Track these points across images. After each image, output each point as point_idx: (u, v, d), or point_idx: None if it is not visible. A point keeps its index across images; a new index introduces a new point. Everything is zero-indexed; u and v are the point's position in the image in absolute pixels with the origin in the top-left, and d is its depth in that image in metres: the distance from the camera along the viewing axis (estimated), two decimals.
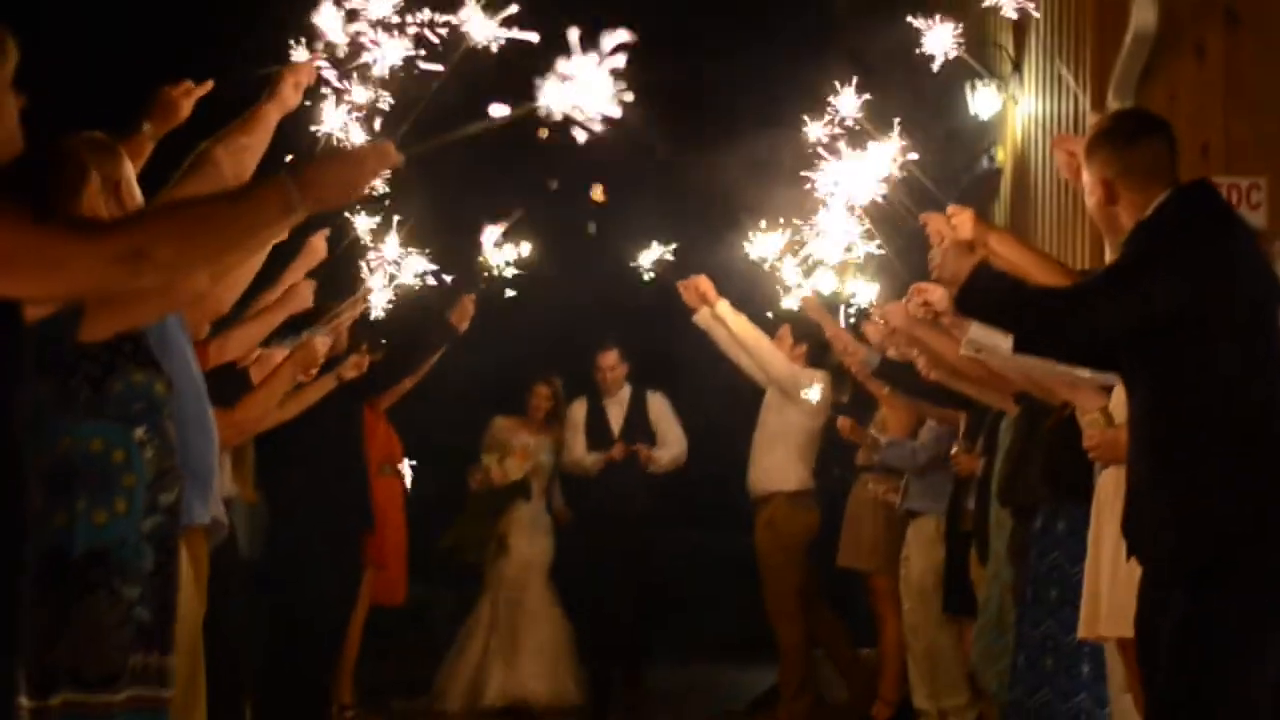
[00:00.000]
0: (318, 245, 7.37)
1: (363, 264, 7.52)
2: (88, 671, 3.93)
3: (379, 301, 7.67)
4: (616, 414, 11.77)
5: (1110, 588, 5.89)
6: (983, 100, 12.04)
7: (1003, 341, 5.71)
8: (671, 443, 11.73)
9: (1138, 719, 5.51)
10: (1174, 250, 4.84)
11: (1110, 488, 6.03)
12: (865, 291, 8.87)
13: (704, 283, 10.39)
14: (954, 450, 8.92)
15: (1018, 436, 7.54)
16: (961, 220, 6.05)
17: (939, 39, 6.81)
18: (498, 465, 11.91)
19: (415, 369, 10.35)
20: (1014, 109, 11.79)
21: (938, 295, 5.85)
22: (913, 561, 10.25)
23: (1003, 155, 12.18)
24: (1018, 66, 11.66)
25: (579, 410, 11.92)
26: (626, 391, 11.78)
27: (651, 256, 10.27)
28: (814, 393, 10.51)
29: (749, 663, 13.54)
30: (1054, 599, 6.88)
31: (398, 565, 10.86)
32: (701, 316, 10.56)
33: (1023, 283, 5.15)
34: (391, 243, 7.50)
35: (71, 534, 3.95)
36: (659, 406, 11.84)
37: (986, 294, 4.96)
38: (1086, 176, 5.11)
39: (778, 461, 11.03)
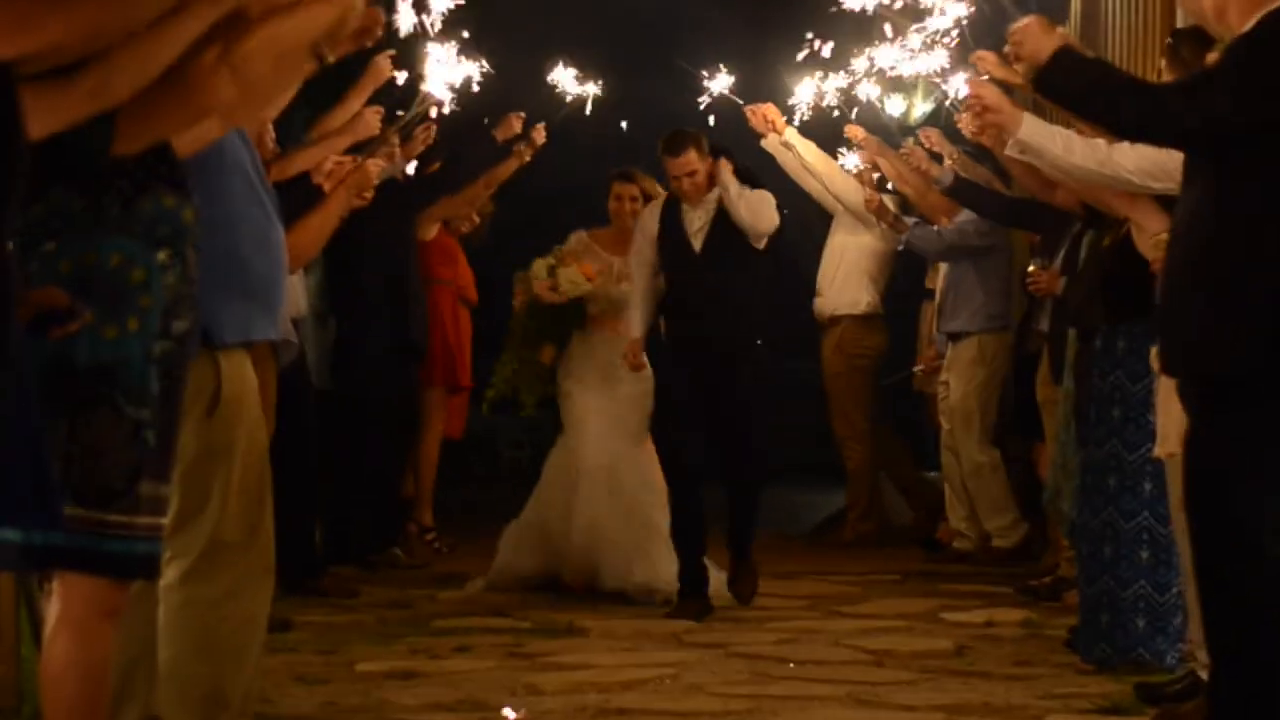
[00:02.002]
0: (382, 65, 7.34)
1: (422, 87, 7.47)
2: (87, 487, 3.97)
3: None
4: (699, 221, 9.09)
5: (1169, 404, 5.88)
6: None
7: (1050, 145, 5.65)
8: (756, 202, 8.93)
9: None
10: None
11: None
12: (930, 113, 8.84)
13: (771, 109, 10.33)
14: (1031, 268, 8.90)
15: (1088, 256, 7.50)
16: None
17: None
18: (546, 274, 9.54)
19: (457, 182, 10.26)
20: None
21: (989, 90, 5.73)
22: (952, 384, 10.31)
23: None
24: None
25: (651, 217, 9.27)
26: (715, 195, 9.03)
27: (720, 84, 10.22)
28: (852, 159, 10.42)
29: (814, 487, 13.62)
30: (1116, 418, 6.88)
31: (463, 400, 10.95)
32: (769, 142, 10.50)
33: (1111, 69, 5.05)
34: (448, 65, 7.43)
35: (77, 346, 3.96)
36: (756, 194, 9.04)
37: (1073, 75, 4.86)
38: None
39: (848, 285, 11.05)
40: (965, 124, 7.19)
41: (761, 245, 8.94)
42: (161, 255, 4.06)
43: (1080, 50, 5.01)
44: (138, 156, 4.06)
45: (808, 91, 9.95)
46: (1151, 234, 6.02)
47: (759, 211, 8.89)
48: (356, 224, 8.72)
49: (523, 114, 9.78)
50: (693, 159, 8.91)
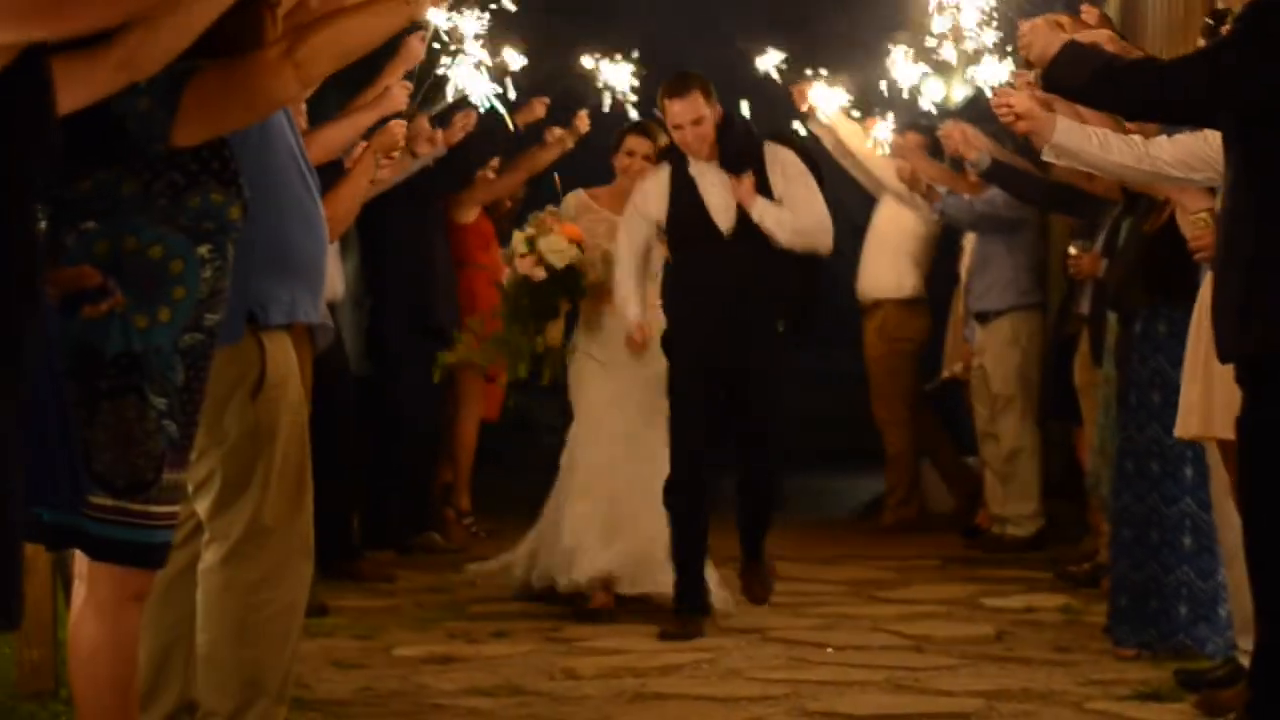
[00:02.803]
0: (415, 47, 7.27)
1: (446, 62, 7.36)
2: (115, 476, 3.98)
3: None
4: (715, 185, 7.71)
5: (1205, 386, 5.86)
6: None
7: (1086, 145, 5.62)
8: (801, 210, 7.65)
9: (1239, 521, 5.50)
10: None
11: None
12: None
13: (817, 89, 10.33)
14: (1071, 250, 8.85)
15: (1129, 239, 7.47)
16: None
17: None
18: (526, 248, 8.23)
19: (478, 163, 10.22)
20: None
21: (1019, 99, 5.69)
22: (989, 368, 10.25)
23: None
24: None
25: (656, 190, 7.83)
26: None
27: (770, 61, 10.20)
28: (884, 130, 10.37)
29: (853, 472, 13.58)
30: (1157, 403, 6.84)
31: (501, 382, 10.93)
32: (814, 123, 10.47)
33: (1115, 56, 5.05)
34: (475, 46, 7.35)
35: (108, 332, 3.97)
36: (789, 167, 7.75)
37: (1078, 66, 4.88)
38: None
39: (890, 268, 10.99)
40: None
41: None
42: (203, 250, 4.08)
43: (1085, 44, 5.01)
44: (193, 149, 4.08)
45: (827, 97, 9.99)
46: (1193, 214, 5.99)
47: (809, 231, 7.65)
48: (383, 208, 8.75)
49: (547, 99, 9.67)
50: (699, 103, 7.61)
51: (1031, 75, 5.48)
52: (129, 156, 4.03)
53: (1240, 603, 5.96)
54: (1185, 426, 6.07)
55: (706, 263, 7.68)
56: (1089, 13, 5.94)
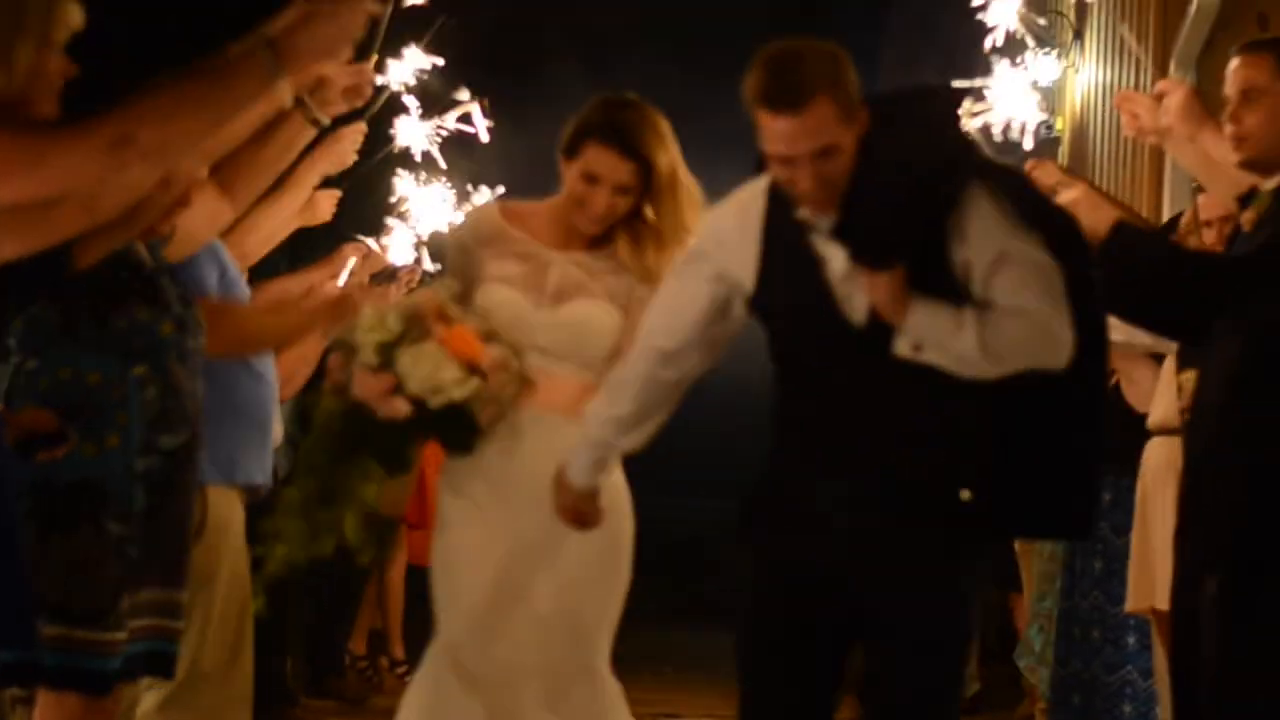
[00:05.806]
0: (324, 205, 6.51)
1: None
2: (72, 606, 3.94)
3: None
4: (837, 256, 3.91)
5: (1163, 558, 5.83)
6: (1042, 68, 11.91)
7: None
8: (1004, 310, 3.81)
9: None
10: None
11: (1159, 457, 5.96)
12: None
13: None
14: None
15: None
16: (1044, 170, 5.60)
17: (1002, 9, 6.70)
18: (376, 357, 4.38)
19: None
20: (1074, 77, 11.70)
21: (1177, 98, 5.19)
22: None
23: (1061, 124, 12.10)
24: (1079, 34, 11.58)
25: (741, 217, 4.04)
26: None
27: None
28: None
29: None
30: (1099, 570, 6.86)
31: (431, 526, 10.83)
32: None
33: (1179, 246, 4.92)
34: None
35: (60, 463, 3.95)
36: (992, 230, 3.83)
37: (1135, 251, 4.66)
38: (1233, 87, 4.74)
39: None
40: None
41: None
42: (139, 370, 4.05)
43: (1139, 227, 4.89)
44: (110, 272, 4.05)
45: None
46: (1143, 386, 6.01)
47: (1009, 351, 3.85)
48: None
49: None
50: (828, 123, 3.75)
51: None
52: (46, 288, 4.02)
53: None
54: (1137, 600, 6.07)
55: (825, 385, 4.04)
56: (1046, 170, 5.77)
